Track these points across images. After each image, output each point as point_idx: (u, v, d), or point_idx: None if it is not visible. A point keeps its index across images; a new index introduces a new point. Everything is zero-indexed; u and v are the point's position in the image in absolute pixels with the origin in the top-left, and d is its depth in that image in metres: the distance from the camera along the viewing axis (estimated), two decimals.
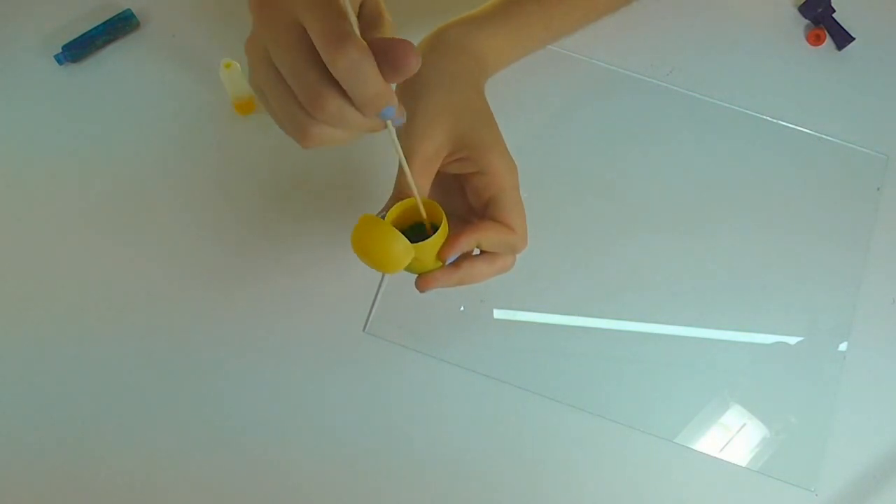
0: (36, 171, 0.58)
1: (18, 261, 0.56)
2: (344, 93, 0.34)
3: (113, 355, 0.54)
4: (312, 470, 0.53)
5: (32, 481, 0.52)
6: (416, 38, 0.50)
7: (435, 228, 0.43)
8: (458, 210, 0.47)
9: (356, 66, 0.32)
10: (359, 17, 0.39)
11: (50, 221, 0.57)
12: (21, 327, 0.55)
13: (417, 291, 0.45)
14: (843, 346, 0.56)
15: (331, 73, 0.33)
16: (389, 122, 0.36)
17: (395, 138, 0.38)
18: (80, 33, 0.60)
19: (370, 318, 0.56)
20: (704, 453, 0.54)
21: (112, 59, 0.61)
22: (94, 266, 0.56)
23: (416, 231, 0.43)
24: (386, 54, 0.33)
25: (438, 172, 0.45)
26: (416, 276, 0.45)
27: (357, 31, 0.33)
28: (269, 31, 0.35)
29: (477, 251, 0.46)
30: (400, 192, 0.44)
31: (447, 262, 0.43)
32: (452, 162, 0.45)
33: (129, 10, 0.61)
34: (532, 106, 0.61)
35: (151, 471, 0.52)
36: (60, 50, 0.60)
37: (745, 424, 0.54)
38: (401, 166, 0.43)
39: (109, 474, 0.52)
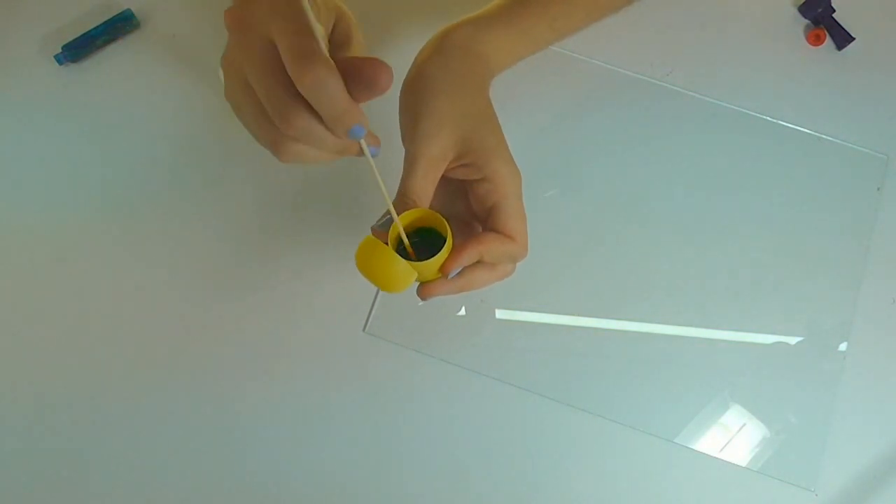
0: (36, 171, 0.58)
1: (17, 261, 0.56)
2: (313, 110, 0.34)
3: (111, 356, 0.54)
4: (312, 469, 0.53)
5: (34, 485, 0.52)
6: (420, 38, 0.50)
7: (433, 232, 0.43)
8: (461, 214, 0.47)
9: (321, 83, 0.32)
10: (330, 38, 0.39)
11: (49, 221, 0.57)
12: (18, 329, 0.55)
13: (411, 289, 0.45)
14: (843, 346, 0.56)
15: (299, 91, 0.34)
16: (363, 143, 0.37)
17: (371, 160, 0.38)
18: (80, 33, 0.60)
19: (370, 318, 0.56)
20: (704, 453, 0.54)
21: (112, 59, 0.61)
22: (94, 265, 0.56)
23: (421, 237, 0.43)
24: (358, 72, 0.34)
25: (443, 177, 0.45)
26: (420, 286, 0.45)
27: (325, 50, 0.33)
28: (243, 48, 0.35)
29: None
30: (404, 194, 0.43)
31: (450, 277, 0.44)
32: (457, 167, 0.45)
33: (129, 10, 0.61)
34: (532, 106, 0.61)
35: (152, 470, 0.52)
36: (60, 50, 0.60)
37: (745, 424, 0.54)
38: (405, 171, 0.44)
39: (110, 476, 0.52)
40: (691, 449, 0.54)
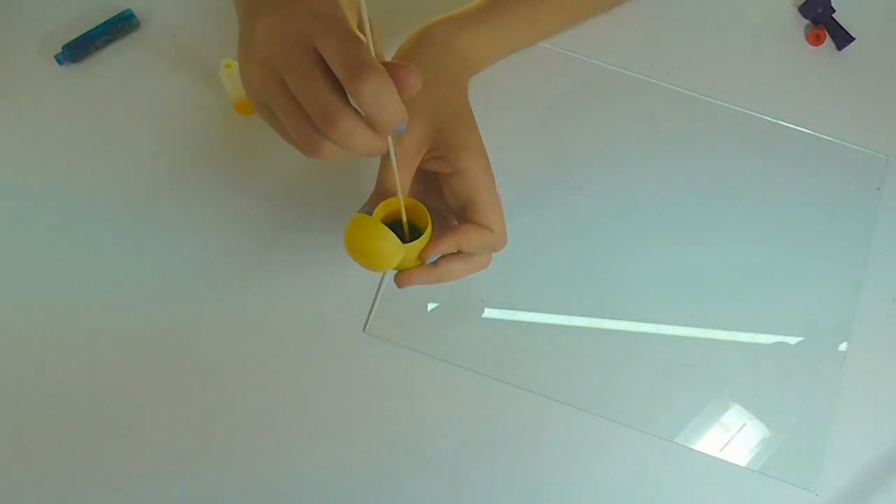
0: (35, 171, 0.58)
1: (18, 259, 0.56)
2: (357, 113, 0.35)
3: (111, 356, 0.54)
4: (312, 469, 0.53)
5: (36, 475, 0.52)
6: (403, 35, 0.50)
7: (412, 225, 0.45)
8: (436, 207, 0.48)
9: (377, 92, 0.34)
10: None
11: (49, 220, 0.57)
12: (16, 324, 0.55)
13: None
14: (843, 346, 0.56)
15: (344, 94, 0.35)
16: (390, 140, 0.38)
17: (392, 148, 0.39)
18: (80, 33, 0.60)
19: (370, 318, 0.56)
20: (704, 453, 0.54)
21: (112, 59, 0.61)
22: (93, 265, 0.56)
23: (393, 229, 0.44)
24: (392, 77, 0.35)
25: (419, 171, 0.46)
26: (398, 274, 0.46)
27: (373, 55, 0.34)
28: (282, 53, 0.36)
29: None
30: (382, 186, 0.45)
31: (427, 263, 0.45)
32: (430, 159, 0.46)
33: (129, 10, 0.61)
34: (532, 106, 0.61)
35: (150, 469, 0.52)
36: (60, 50, 0.60)
37: (745, 424, 0.54)
38: (382, 163, 0.46)
39: (108, 472, 0.52)
40: (691, 449, 0.54)
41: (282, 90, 0.37)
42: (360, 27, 0.37)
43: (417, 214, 0.45)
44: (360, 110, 0.36)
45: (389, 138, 0.38)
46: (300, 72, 0.35)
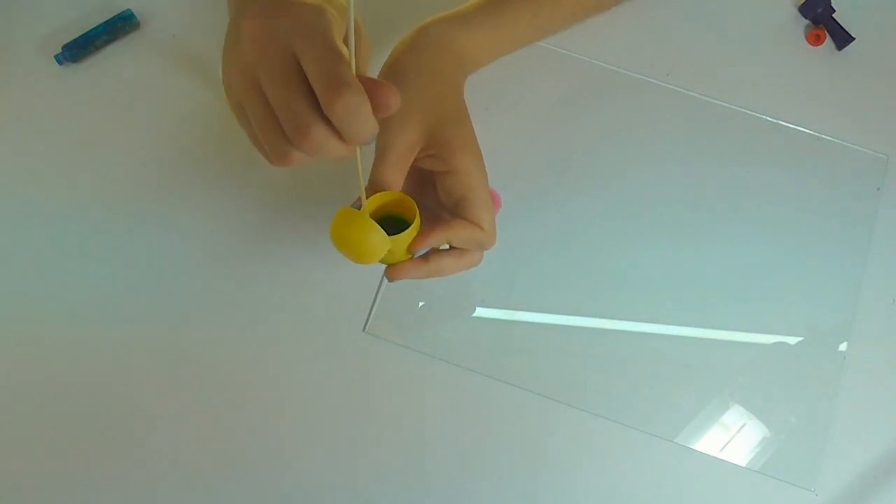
0: (36, 171, 0.58)
1: (18, 258, 0.56)
2: (328, 125, 0.35)
3: (110, 357, 0.54)
4: (312, 469, 0.53)
5: (35, 469, 0.52)
6: (400, 34, 0.50)
7: (403, 220, 0.45)
8: (430, 205, 0.49)
9: (352, 110, 0.34)
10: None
11: (48, 220, 0.57)
12: (16, 322, 0.55)
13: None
14: (843, 346, 0.56)
15: (318, 106, 0.35)
16: (358, 149, 0.39)
17: (360, 154, 0.40)
18: (80, 33, 0.60)
19: (370, 318, 0.56)
20: (704, 453, 0.54)
21: (112, 59, 0.61)
22: (91, 265, 0.56)
23: (387, 224, 0.45)
24: (370, 95, 0.35)
25: (414, 168, 0.47)
26: (389, 267, 0.46)
27: (353, 70, 0.34)
28: (263, 59, 0.36)
29: (446, 246, 0.47)
30: (374, 183, 0.45)
31: (416, 256, 0.45)
32: (424, 158, 0.46)
33: (129, 10, 0.61)
34: (531, 105, 0.61)
35: (149, 469, 0.52)
36: (60, 50, 0.60)
37: (745, 424, 0.54)
38: (375, 159, 0.46)
39: (107, 473, 0.52)
40: (691, 449, 0.54)
41: (258, 95, 0.37)
42: (347, 39, 0.37)
43: (406, 208, 0.45)
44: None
45: (358, 149, 0.38)
46: (278, 80, 0.36)
